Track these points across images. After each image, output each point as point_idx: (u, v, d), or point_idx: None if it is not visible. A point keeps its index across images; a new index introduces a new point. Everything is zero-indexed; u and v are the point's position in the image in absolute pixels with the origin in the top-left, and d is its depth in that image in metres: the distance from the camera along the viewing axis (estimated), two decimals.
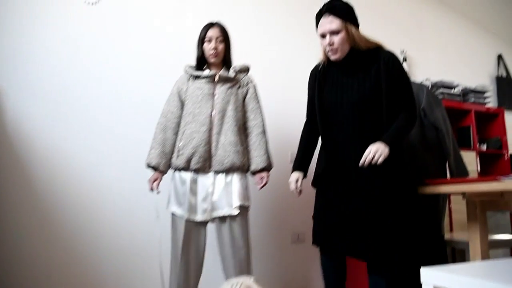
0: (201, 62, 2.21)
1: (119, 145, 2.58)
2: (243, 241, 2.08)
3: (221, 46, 2.17)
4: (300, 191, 1.97)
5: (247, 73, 2.30)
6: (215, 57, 2.16)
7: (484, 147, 3.96)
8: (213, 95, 2.13)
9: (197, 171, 2.09)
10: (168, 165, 2.15)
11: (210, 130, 2.08)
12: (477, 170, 3.68)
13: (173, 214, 2.12)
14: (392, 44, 2.21)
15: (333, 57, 1.86)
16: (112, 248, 2.48)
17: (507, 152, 3.98)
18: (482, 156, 3.87)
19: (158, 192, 2.14)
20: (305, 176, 2.00)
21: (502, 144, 3.99)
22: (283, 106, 3.15)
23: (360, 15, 1.89)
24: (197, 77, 2.17)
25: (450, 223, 3.26)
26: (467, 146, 3.74)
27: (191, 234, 2.08)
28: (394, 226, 1.76)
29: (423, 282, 1.31)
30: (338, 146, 1.88)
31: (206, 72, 2.17)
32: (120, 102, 2.63)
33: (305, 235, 3.07)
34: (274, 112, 3.02)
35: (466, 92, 3.94)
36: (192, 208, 2.07)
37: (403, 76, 1.87)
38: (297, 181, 1.96)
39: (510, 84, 4.66)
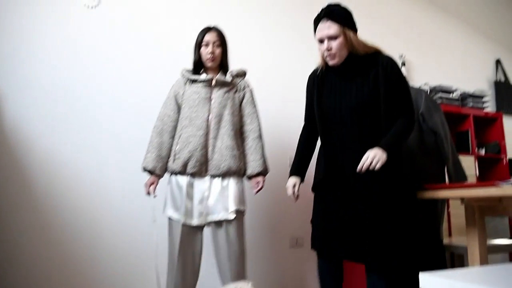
0: (198, 66, 2.21)
1: (118, 147, 2.59)
2: (239, 246, 2.07)
3: (218, 51, 2.17)
4: (297, 196, 1.96)
5: (244, 77, 2.30)
6: (212, 61, 2.16)
7: (482, 152, 3.96)
8: (210, 99, 2.13)
9: (193, 175, 2.09)
10: (165, 169, 2.14)
11: (206, 134, 2.08)
12: (476, 174, 3.68)
13: (169, 219, 2.11)
14: (390, 48, 2.21)
15: (331, 62, 1.86)
16: (110, 250, 2.49)
17: (506, 156, 3.98)
18: (480, 160, 3.87)
19: (154, 196, 2.13)
20: (302, 180, 2.00)
21: (501, 149, 3.99)
22: (283, 109, 3.15)
23: (358, 20, 1.89)
24: (194, 81, 2.17)
25: (449, 227, 3.25)
26: (466, 151, 3.74)
27: (188, 238, 2.07)
28: (393, 230, 1.76)
29: (422, 287, 1.30)
30: (337, 150, 1.87)
31: (203, 76, 2.17)
32: (119, 103, 2.64)
33: (304, 240, 3.06)
34: (273, 116, 3.03)
35: (464, 97, 3.95)
36: (189, 213, 2.07)
37: (402, 80, 1.86)
38: (294, 186, 1.96)
39: (508, 89, 4.67)
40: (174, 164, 2.08)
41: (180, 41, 2.83)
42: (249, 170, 2.17)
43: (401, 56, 3.86)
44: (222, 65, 2.23)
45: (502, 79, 4.72)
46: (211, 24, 2.25)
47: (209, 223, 2.10)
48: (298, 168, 2.01)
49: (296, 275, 3.05)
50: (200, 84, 2.15)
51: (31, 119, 2.41)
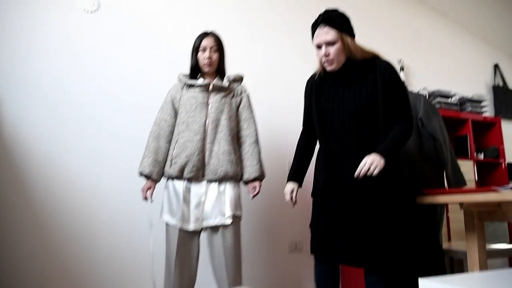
0: (195, 71, 2.21)
1: (116, 149, 2.60)
2: (235, 251, 2.07)
3: (215, 56, 2.18)
4: (295, 202, 1.96)
5: (241, 82, 2.30)
6: (209, 66, 2.16)
7: (481, 156, 3.95)
8: (207, 104, 2.13)
9: (190, 180, 2.08)
10: (161, 174, 2.14)
11: (203, 139, 2.08)
12: (475, 179, 3.67)
13: (166, 224, 2.10)
14: (389, 53, 2.22)
15: (329, 68, 1.86)
16: (107, 252, 2.50)
17: (504, 161, 3.98)
18: (479, 165, 3.87)
19: (151, 201, 2.12)
20: (300, 186, 1.99)
21: (499, 153, 3.98)
22: (279, 113, 3.15)
23: (357, 25, 1.89)
24: (191, 85, 2.17)
25: (448, 232, 3.24)
26: (465, 155, 3.74)
27: (185, 243, 2.07)
28: (392, 232, 1.75)
29: None
30: (335, 155, 1.87)
31: (200, 81, 2.17)
32: (118, 104, 2.66)
33: (303, 244, 3.06)
34: (270, 119, 3.03)
35: (463, 102, 3.95)
36: (185, 218, 2.06)
37: (400, 85, 1.86)
38: (292, 191, 1.95)
39: (507, 93, 4.68)
40: (171, 169, 2.08)
41: (179, 44, 2.83)
42: (245, 175, 2.17)
43: (400, 61, 3.87)
44: (219, 70, 2.23)
45: (500, 83, 4.73)
46: (208, 29, 2.26)
47: (205, 228, 2.09)
48: (296, 173, 2.01)
49: (296, 280, 3.04)
50: (197, 89, 2.15)
51: (30, 120, 2.42)
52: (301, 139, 2.08)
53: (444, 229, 3.01)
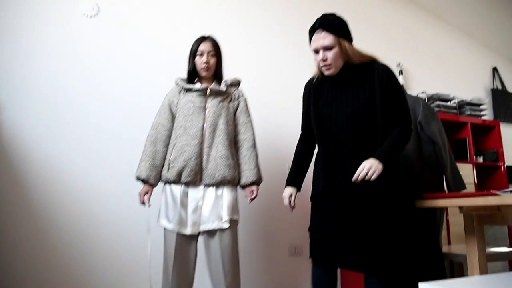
0: (193, 75, 2.21)
1: (116, 151, 2.61)
2: (233, 255, 2.06)
3: (212, 60, 2.18)
4: (294, 207, 1.95)
5: (238, 86, 2.31)
6: (206, 71, 2.17)
7: (480, 159, 3.95)
8: (204, 108, 2.13)
9: (187, 184, 2.08)
10: (158, 178, 2.13)
11: (201, 143, 2.08)
12: (474, 182, 3.67)
13: (164, 228, 2.10)
14: (388, 57, 2.22)
15: (327, 73, 1.85)
16: (106, 255, 2.50)
17: (504, 164, 3.98)
18: (478, 168, 3.87)
19: (149, 206, 2.11)
20: (299, 190, 1.99)
21: (499, 156, 3.99)
22: (277, 116, 3.14)
23: (356, 29, 1.89)
24: (188, 90, 2.17)
25: (448, 235, 3.24)
26: (464, 159, 3.74)
27: (182, 247, 2.06)
28: (391, 235, 1.74)
29: None
30: (334, 159, 1.86)
31: (198, 85, 2.18)
32: (118, 106, 2.66)
33: (303, 248, 3.05)
34: (268, 123, 3.03)
35: (462, 105, 3.96)
36: (183, 222, 2.05)
37: (398, 89, 1.85)
38: (290, 196, 1.95)
39: (505, 97, 4.69)
40: (169, 173, 2.08)
41: (177, 48, 2.83)
42: (243, 179, 2.16)
43: (399, 64, 3.87)
44: (217, 74, 2.23)
45: (499, 86, 4.74)
46: (206, 33, 2.26)
47: (202, 232, 2.09)
48: (294, 178, 2.00)
49: (295, 284, 3.03)
50: (194, 93, 2.15)
51: (29, 122, 2.43)
52: (299, 143, 2.08)
53: (443, 233, 3.01)
